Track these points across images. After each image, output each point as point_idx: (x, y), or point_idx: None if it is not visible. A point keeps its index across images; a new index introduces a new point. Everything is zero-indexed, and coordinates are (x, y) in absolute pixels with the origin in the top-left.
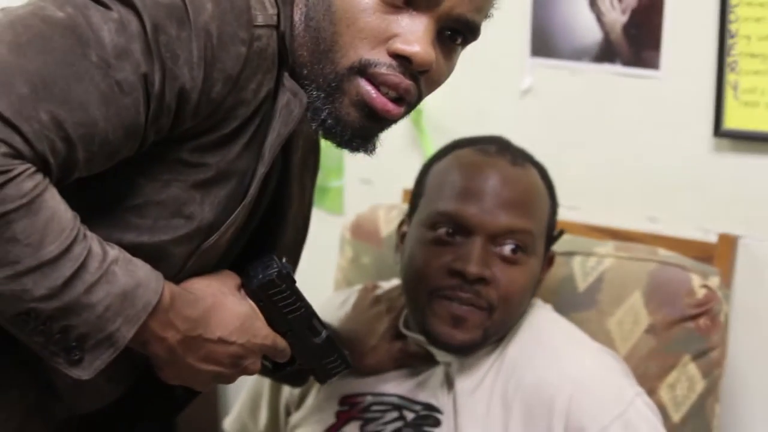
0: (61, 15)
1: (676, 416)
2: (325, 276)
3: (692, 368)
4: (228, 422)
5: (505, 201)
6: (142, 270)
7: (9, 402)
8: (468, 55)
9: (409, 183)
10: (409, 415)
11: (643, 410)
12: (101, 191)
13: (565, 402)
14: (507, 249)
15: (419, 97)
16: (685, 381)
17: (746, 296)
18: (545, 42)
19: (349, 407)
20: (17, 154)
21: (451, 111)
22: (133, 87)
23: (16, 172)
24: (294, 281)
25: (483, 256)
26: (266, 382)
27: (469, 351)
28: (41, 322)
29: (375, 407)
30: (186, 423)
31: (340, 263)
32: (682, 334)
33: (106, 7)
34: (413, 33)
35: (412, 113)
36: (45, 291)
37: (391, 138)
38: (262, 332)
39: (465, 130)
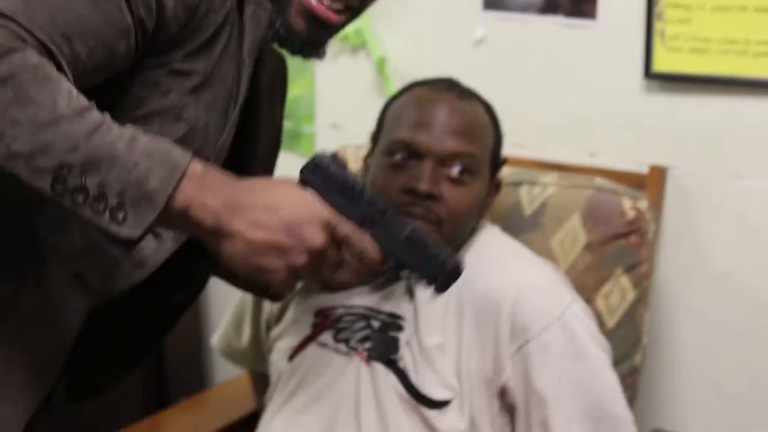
0: None
1: (610, 322)
2: None
3: (624, 280)
4: (214, 339)
5: (452, 129)
6: (167, 141)
7: (46, 278)
8: (428, 10)
9: None
10: (376, 324)
11: (578, 313)
12: (112, 107)
13: (510, 306)
14: (454, 171)
15: (362, 4)
16: (617, 291)
17: (674, 220)
18: None
19: (323, 319)
20: (19, 37)
21: (412, 60)
22: None
23: (21, 48)
24: (346, 167)
25: (433, 176)
26: (249, 302)
27: None
28: (77, 175)
29: (346, 318)
30: (174, 342)
31: None
32: (615, 250)
33: None
34: None
35: (377, 62)
36: (68, 143)
37: (358, 86)
38: (323, 211)
39: (424, 77)
